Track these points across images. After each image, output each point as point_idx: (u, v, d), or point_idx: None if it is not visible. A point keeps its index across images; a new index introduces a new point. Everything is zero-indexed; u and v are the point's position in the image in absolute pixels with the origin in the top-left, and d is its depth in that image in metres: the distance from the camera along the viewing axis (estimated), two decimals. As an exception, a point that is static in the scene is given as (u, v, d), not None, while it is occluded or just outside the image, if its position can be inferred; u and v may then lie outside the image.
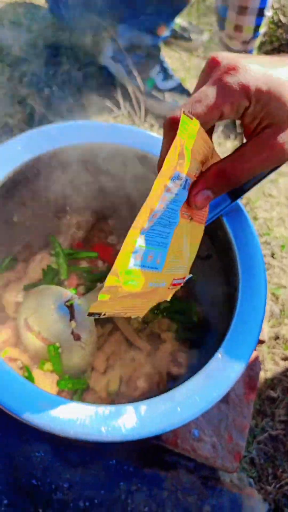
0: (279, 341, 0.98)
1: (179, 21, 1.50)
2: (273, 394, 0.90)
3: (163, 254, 0.39)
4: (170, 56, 1.51)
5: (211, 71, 0.39)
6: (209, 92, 0.37)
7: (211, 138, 0.42)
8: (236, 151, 0.40)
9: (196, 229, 0.43)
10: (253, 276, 0.50)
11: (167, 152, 0.38)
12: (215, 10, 1.13)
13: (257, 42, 1.20)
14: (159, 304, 0.65)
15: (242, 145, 0.40)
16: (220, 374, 0.44)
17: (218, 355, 0.45)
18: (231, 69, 0.37)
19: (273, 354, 0.96)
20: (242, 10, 1.05)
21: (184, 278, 0.44)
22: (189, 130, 0.35)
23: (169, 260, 0.40)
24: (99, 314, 0.40)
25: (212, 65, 0.39)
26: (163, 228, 0.38)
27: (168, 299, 0.45)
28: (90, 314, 0.39)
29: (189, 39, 1.51)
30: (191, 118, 0.35)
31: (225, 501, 0.60)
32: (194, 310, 0.64)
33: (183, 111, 0.35)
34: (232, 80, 0.37)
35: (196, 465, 0.64)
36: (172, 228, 0.39)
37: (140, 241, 0.36)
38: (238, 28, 1.09)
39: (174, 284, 0.43)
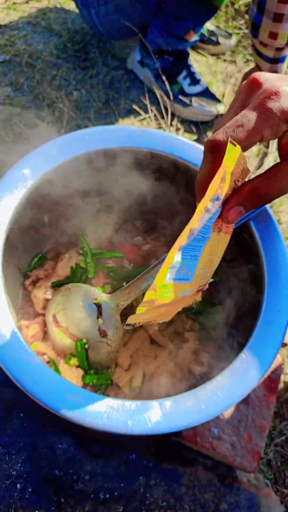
0: (300, 346, 0.98)
1: (207, 25, 1.50)
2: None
3: (194, 266, 0.41)
4: (197, 60, 1.51)
5: (252, 92, 0.40)
6: (251, 117, 0.38)
7: None
8: (270, 169, 0.42)
9: (222, 238, 0.45)
10: (279, 279, 0.51)
11: (207, 172, 0.40)
12: (250, 17, 1.14)
13: None
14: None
15: (276, 164, 0.42)
16: (244, 373, 0.45)
17: (243, 355, 0.46)
18: (273, 94, 0.38)
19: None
20: (278, 17, 1.05)
21: (206, 284, 0.47)
22: (232, 156, 0.37)
23: (198, 271, 0.42)
24: (135, 324, 0.43)
25: (253, 86, 0.40)
26: (197, 242, 0.40)
27: (192, 304, 0.47)
28: (127, 325, 0.42)
29: (216, 43, 1.51)
30: (235, 145, 0.37)
31: (242, 499, 0.61)
32: (217, 310, 0.64)
33: (230, 141, 0.36)
34: (274, 105, 0.37)
35: (214, 463, 0.64)
36: (204, 242, 0.41)
37: (177, 258, 0.38)
38: (272, 35, 1.10)
39: (198, 291, 0.45)
